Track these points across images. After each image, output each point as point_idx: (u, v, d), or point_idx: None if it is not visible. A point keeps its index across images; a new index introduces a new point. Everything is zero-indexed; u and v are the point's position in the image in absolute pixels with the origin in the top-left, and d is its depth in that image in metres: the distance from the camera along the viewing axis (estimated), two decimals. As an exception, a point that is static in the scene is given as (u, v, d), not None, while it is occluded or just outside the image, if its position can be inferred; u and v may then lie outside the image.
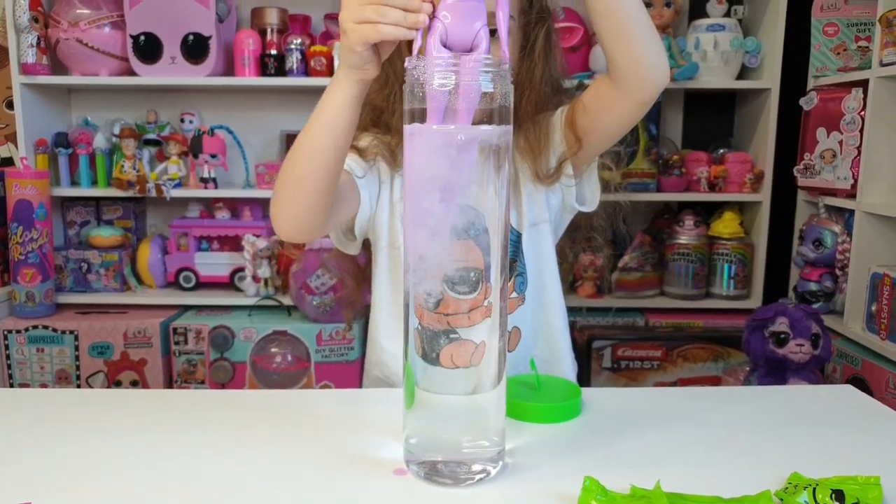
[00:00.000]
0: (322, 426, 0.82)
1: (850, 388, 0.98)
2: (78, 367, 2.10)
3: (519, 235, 1.02)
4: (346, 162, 0.95)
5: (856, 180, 1.90)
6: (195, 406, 0.89)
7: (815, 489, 0.64)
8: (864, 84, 1.88)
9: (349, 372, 2.09)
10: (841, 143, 1.94)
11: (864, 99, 1.87)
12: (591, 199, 1.05)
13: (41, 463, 0.73)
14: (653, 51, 0.87)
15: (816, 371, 1.78)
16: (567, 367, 1.08)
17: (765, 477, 0.69)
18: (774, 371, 1.75)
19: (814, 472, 0.68)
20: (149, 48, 2.11)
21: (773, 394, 0.99)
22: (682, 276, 2.25)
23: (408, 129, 0.66)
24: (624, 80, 0.89)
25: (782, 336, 1.71)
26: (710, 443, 0.79)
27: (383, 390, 1.02)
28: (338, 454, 0.75)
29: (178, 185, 2.19)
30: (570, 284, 2.29)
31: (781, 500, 0.65)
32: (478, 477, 0.68)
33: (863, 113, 1.87)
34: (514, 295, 1.02)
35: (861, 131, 1.88)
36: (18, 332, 2.08)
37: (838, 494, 0.64)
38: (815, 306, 1.93)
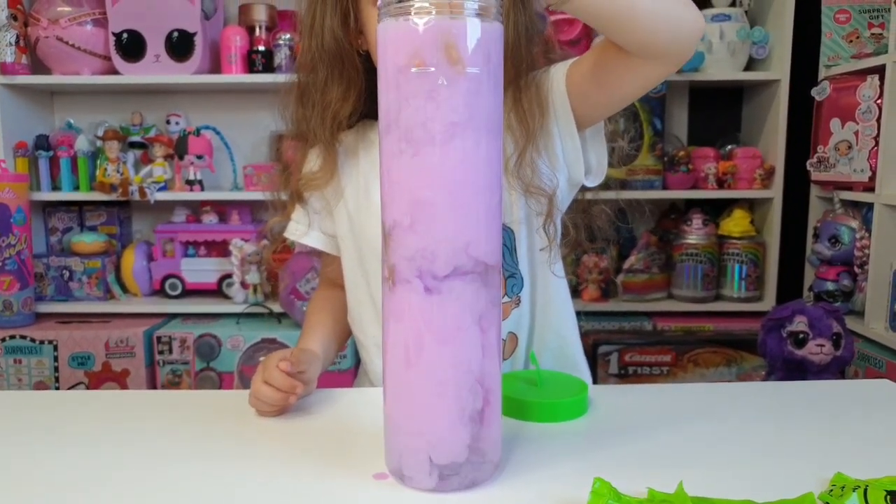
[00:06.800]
0: (296, 427, 0.74)
1: (887, 382, 0.88)
2: (57, 379, 2.00)
3: (512, 234, 0.89)
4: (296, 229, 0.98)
5: (874, 172, 1.81)
6: (162, 408, 0.81)
7: (865, 490, 0.55)
8: (879, 71, 1.79)
9: (342, 381, 1.98)
10: (857, 133, 1.85)
11: (881, 86, 1.77)
12: (597, 167, 0.89)
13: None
14: (668, 24, 0.71)
15: (837, 374, 1.68)
16: (581, 375, 0.96)
17: (803, 478, 0.60)
18: (793, 374, 1.65)
19: (859, 473, 0.60)
20: (132, 46, 2.04)
21: (801, 389, 0.89)
22: (690, 278, 2.15)
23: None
24: (641, 57, 0.75)
25: (801, 336, 1.61)
26: (736, 441, 0.69)
27: (362, 389, 0.92)
28: (313, 457, 0.66)
29: (164, 188, 2.11)
30: (574, 288, 2.18)
31: (827, 503, 0.55)
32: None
33: (879, 101, 1.78)
34: (505, 299, 0.89)
35: (878, 120, 1.79)
36: (-5, 342, 1.99)
37: (894, 497, 0.54)
38: (833, 306, 1.83)
